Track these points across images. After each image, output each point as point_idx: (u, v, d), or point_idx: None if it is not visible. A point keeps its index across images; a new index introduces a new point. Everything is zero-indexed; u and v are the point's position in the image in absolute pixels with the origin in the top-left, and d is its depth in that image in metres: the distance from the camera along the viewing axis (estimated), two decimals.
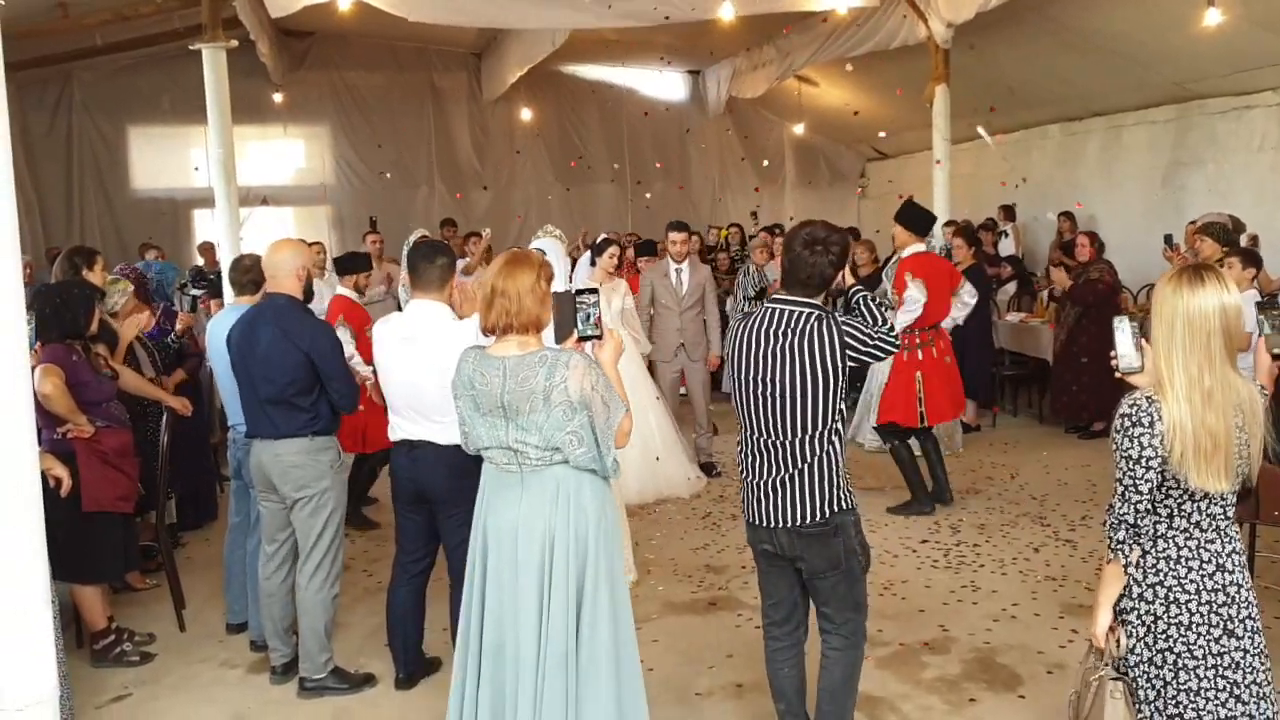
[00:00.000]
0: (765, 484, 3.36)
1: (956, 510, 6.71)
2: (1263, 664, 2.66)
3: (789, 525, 3.32)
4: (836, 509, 3.32)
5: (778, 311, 3.35)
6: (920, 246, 6.83)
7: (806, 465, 3.29)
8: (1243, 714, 2.61)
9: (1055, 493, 7.09)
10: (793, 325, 3.29)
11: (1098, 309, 8.04)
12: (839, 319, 3.29)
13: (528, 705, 3.10)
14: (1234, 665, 2.61)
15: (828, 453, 3.30)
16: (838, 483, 3.32)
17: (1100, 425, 8.40)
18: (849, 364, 3.27)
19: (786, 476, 3.31)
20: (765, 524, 3.37)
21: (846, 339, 3.25)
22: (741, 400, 3.42)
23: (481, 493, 3.32)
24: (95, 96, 13.30)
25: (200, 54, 8.47)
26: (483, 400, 3.17)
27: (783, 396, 3.28)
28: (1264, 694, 2.64)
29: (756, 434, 3.38)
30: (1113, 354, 2.68)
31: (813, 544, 3.32)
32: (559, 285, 5.22)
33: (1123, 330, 2.65)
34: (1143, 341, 2.65)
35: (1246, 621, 2.63)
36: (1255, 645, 2.65)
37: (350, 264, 6.72)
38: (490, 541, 3.24)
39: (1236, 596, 2.62)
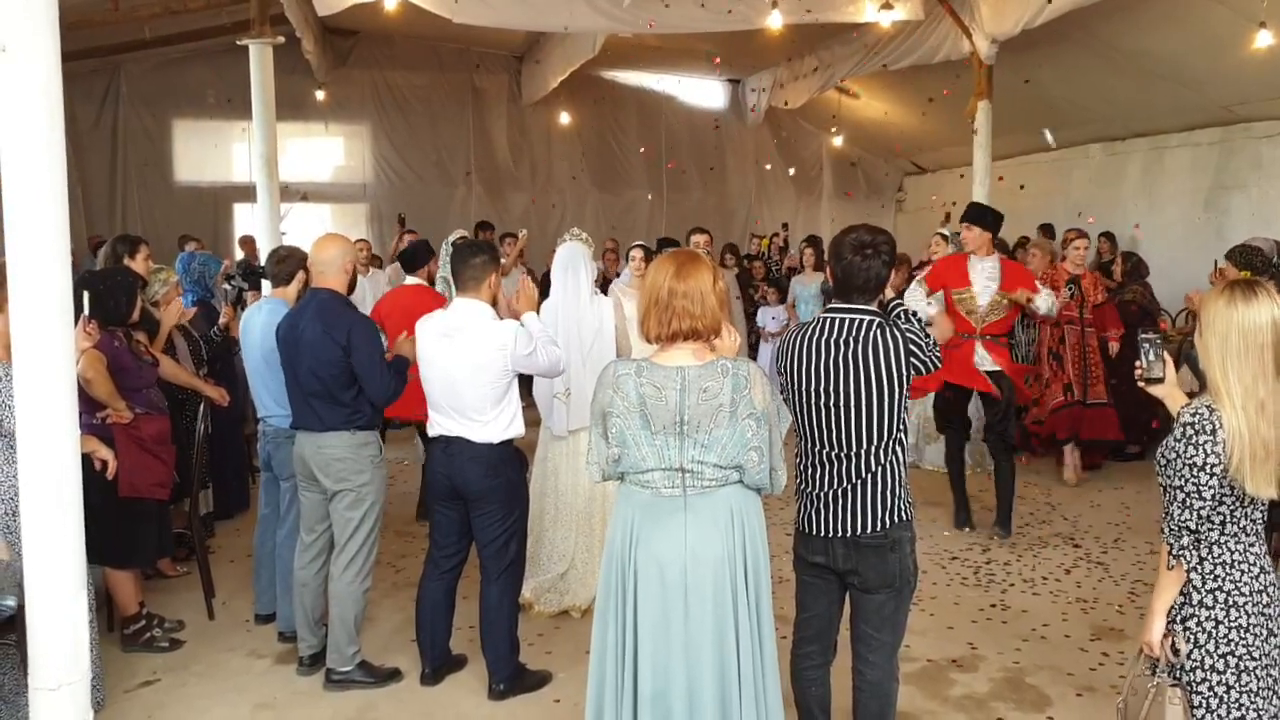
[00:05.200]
0: (826, 495, 3.25)
1: (988, 528, 6.65)
2: None
3: (847, 535, 3.22)
4: (897, 520, 3.22)
5: (836, 321, 3.24)
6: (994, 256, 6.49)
7: (871, 475, 3.20)
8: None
9: (1088, 514, 7.03)
10: (854, 334, 3.18)
11: (1130, 332, 7.93)
12: (901, 325, 3.21)
13: None
14: (1275, 663, 2.69)
15: (891, 463, 3.21)
16: (899, 493, 3.23)
17: (1136, 449, 8.32)
18: (911, 373, 3.18)
19: (849, 487, 3.21)
20: (822, 534, 3.27)
21: (910, 346, 3.17)
22: (802, 413, 3.27)
23: (624, 525, 2.98)
24: (142, 89, 13.46)
25: (246, 50, 8.57)
26: (656, 417, 2.88)
27: (847, 408, 3.17)
28: None
29: (819, 446, 3.26)
30: (1138, 364, 2.88)
31: (869, 556, 3.22)
32: (585, 289, 5.24)
33: (1147, 344, 2.88)
34: (1165, 355, 2.87)
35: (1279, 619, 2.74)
36: None
37: (413, 259, 6.76)
38: (647, 576, 2.91)
39: (1275, 595, 2.71)
